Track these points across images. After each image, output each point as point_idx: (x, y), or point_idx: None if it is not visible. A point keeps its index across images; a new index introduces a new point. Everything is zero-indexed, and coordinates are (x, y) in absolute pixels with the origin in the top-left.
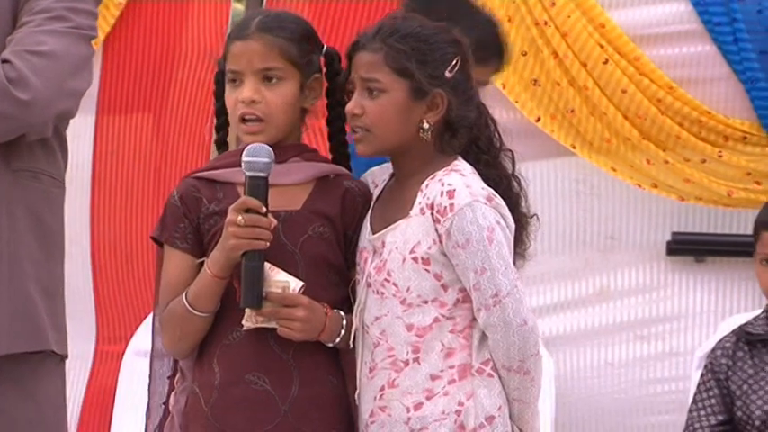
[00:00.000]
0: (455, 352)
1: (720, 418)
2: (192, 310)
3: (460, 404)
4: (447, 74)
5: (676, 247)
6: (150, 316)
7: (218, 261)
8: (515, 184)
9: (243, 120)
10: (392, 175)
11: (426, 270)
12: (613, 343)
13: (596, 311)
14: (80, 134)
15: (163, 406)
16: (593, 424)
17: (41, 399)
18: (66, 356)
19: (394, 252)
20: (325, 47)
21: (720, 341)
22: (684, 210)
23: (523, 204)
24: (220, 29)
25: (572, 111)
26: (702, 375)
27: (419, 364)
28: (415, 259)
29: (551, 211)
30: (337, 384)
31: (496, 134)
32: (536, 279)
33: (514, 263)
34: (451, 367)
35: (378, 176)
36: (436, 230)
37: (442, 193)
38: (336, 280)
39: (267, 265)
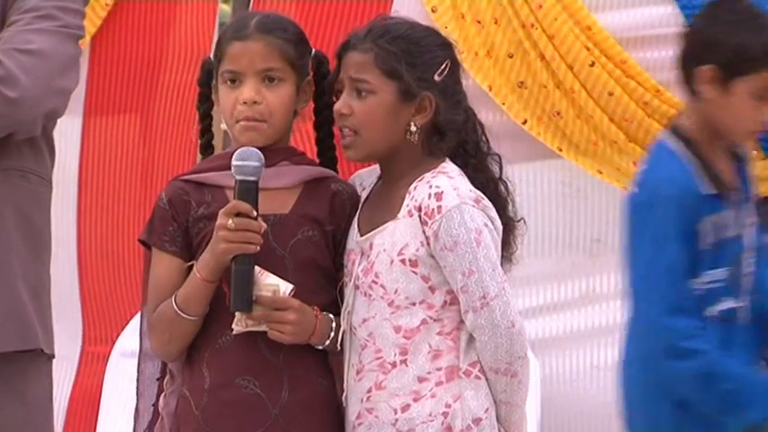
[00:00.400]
0: (442, 354)
1: None
2: (182, 314)
3: (448, 406)
4: (436, 77)
5: None
6: (137, 317)
7: (207, 265)
8: (502, 187)
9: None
10: (380, 178)
11: (414, 272)
12: (599, 346)
13: (582, 314)
14: (67, 135)
15: (152, 408)
16: (578, 427)
17: (30, 398)
18: (54, 356)
19: (382, 254)
20: (313, 50)
21: None
22: None
23: (510, 208)
24: (207, 30)
25: (558, 113)
26: None
27: (406, 365)
28: (402, 261)
29: (537, 214)
30: (327, 387)
31: (484, 138)
32: (522, 281)
33: (502, 266)
34: (439, 369)
35: (365, 179)
36: (424, 232)
37: (429, 195)
38: (325, 283)
39: (257, 268)
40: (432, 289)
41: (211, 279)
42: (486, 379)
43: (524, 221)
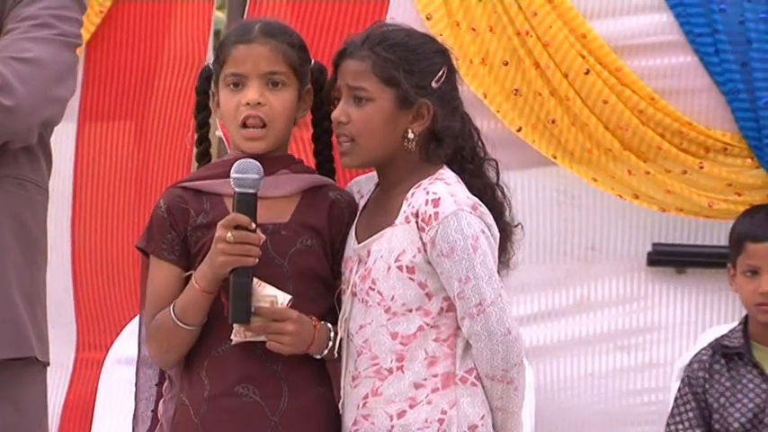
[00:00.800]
0: (439, 361)
1: (698, 431)
2: (180, 324)
3: (444, 413)
4: (434, 84)
5: (657, 258)
6: (131, 323)
7: (205, 276)
8: (500, 193)
9: (244, 125)
10: (377, 185)
11: (411, 279)
12: (593, 354)
13: (577, 322)
14: (62, 141)
15: (151, 414)
16: None
17: (24, 406)
18: (48, 364)
19: (379, 261)
20: (313, 61)
21: (697, 354)
22: (665, 221)
23: (508, 214)
24: (202, 37)
25: (553, 121)
26: (680, 389)
27: (403, 372)
28: (400, 268)
29: (532, 221)
30: (325, 394)
31: (480, 144)
32: (517, 289)
33: (498, 272)
34: (435, 376)
35: (363, 186)
36: (421, 239)
37: (426, 201)
38: (323, 291)
39: (255, 279)
40: (428, 295)
41: (209, 290)
42: (483, 386)
43: (522, 227)
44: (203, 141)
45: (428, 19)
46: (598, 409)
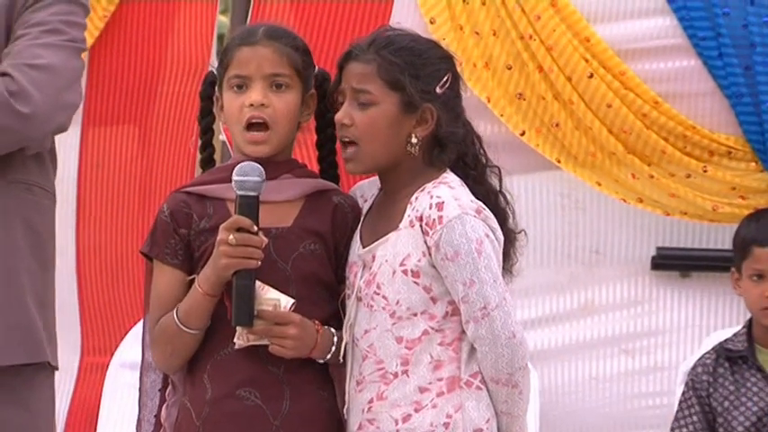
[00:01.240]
0: (444, 364)
1: None
2: (183, 328)
3: (449, 416)
4: (438, 89)
5: (661, 262)
6: (135, 328)
7: (208, 279)
8: (503, 200)
9: (248, 127)
10: (381, 189)
11: (416, 283)
12: (598, 357)
13: (581, 326)
14: (66, 146)
15: (155, 419)
16: None
17: (35, 409)
18: (57, 368)
19: (384, 265)
20: (317, 67)
21: (701, 358)
22: (669, 224)
23: (511, 220)
24: (206, 40)
25: (557, 125)
26: (684, 393)
27: (408, 376)
28: (404, 272)
29: (536, 225)
30: (327, 398)
31: (482, 151)
32: (521, 293)
33: (502, 278)
34: (440, 380)
35: (366, 191)
36: (425, 243)
37: (431, 205)
38: (327, 296)
39: (258, 283)
40: (433, 299)
41: (213, 293)
42: (488, 390)
43: (525, 234)
44: (207, 147)
45: (431, 23)
46: (603, 413)
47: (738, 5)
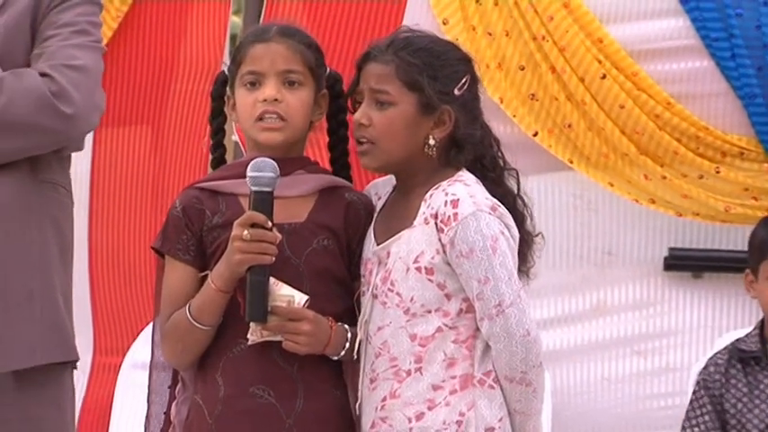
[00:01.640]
0: (457, 362)
1: None
2: (196, 324)
3: (461, 415)
4: (456, 91)
5: (673, 263)
6: (148, 328)
7: (222, 275)
8: (521, 202)
9: (261, 118)
10: (395, 187)
11: (430, 280)
12: (610, 358)
13: (593, 327)
14: None
15: (164, 416)
16: None
17: (64, 407)
18: (76, 367)
19: (398, 262)
20: (328, 69)
21: (713, 357)
22: (682, 225)
23: (528, 223)
24: (218, 40)
25: (569, 125)
26: (695, 392)
27: (421, 374)
28: (418, 269)
29: (548, 226)
30: (341, 397)
31: (500, 153)
32: (533, 294)
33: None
34: (453, 377)
35: (381, 188)
36: (440, 240)
37: (446, 202)
38: (340, 292)
39: (272, 279)
40: (447, 296)
41: (226, 289)
42: (501, 388)
43: (543, 236)
44: (218, 147)
45: (444, 23)
46: (615, 414)
47: (751, 6)
